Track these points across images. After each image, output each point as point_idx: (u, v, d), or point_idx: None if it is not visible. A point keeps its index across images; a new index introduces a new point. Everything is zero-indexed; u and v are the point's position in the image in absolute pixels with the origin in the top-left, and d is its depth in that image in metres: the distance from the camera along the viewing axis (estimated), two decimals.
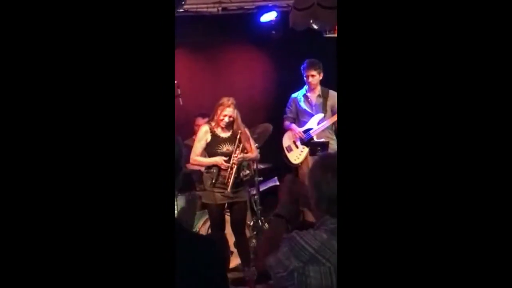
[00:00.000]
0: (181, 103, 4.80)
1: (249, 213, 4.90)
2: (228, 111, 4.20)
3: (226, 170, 4.11)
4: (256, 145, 4.48)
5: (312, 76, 5.12)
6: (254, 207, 5.00)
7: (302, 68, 5.18)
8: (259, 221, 4.91)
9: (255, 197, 4.98)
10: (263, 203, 4.98)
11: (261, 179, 5.09)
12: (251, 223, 4.87)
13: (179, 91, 4.82)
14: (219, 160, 4.14)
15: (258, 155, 4.49)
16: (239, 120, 4.27)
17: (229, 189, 4.09)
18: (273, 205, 4.75)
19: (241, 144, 4.20)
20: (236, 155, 4.15)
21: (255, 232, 4.79)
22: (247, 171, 4.31)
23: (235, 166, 4.14)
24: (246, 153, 4.29)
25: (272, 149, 5.24)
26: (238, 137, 4.19)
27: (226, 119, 4.19)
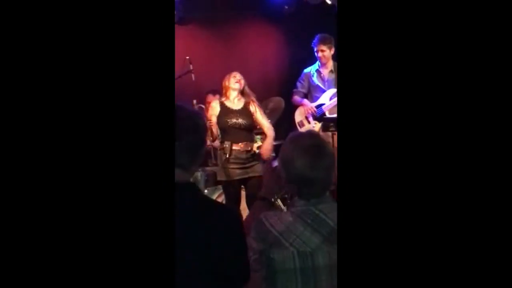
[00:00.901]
0: (193, 78, 4.78)
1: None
2: (236, 77, 4.19)
3: (238, 145, 4.07)
4: (270, 121, 4.43)
5: (322, 51, 5.07)
6: None
7: (313, 43, 5.13)
8: (272, 198, 4.90)
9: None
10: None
11: (274, 155, 5.08)
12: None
13: (191, 67, 4.80)
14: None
15: (272, 130, 4.32)
16: (249, 92, 4.25)
17: (227, 155, 4.03)
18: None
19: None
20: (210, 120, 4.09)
21: None
22: (260, 143, 4.25)
23: (212, 126, 4.09)
24: (258, 127, 4.25)
25: (284, 125, 5.22)
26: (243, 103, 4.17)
27: (238, 77, 4.18)
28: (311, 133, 1.87)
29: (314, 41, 5.12)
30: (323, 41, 5.06)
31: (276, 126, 4.88)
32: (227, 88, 4.20)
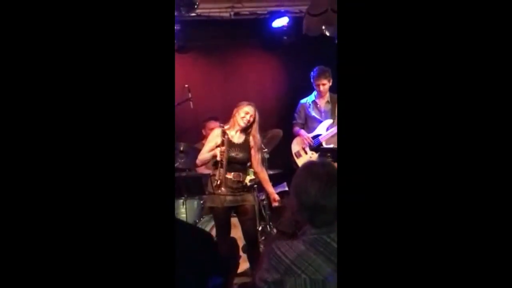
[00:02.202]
0: (191, 106, 4.81)
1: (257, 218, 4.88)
2: (248, 109, 4.11)
3: (231, 174, 4.03)
4: (266, 150, 4.43)
5: (323, 84, 5.13)
6: (263, 212, 4.98)
7: (311, 76, 5.18)
8: (268, 226, 4.89)
9: (264, 202, 4.96)
10: (272, 208, 4.96)
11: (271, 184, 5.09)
12: (260, 228, 4.85)
13: (189, 95, 4.84)
14: (217, 151, 4.03)
15: (259, 168, 4.29)
16: (257, 126, 4.17)
17: (223, 187, 3.99)
18: (282, 211, 4.75)
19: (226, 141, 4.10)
20: (223, 150, 4.03)
21: (263, 237, 4.77)
22: (253, 176, 4.23)
23: (225, 163, 4.01)
24: (250, 166, 4.24)
25: (282, 155, 5.23)
26: (221, 132, 4.11)
27: (247, 117, 4.09)
28: (324, 162, 1.89)
29: (313, 74, 5.17)
30: (323, 75, 5.12)
31: (272, 155, 4.90)
32: (235, 119, 4.16)
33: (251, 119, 4.11)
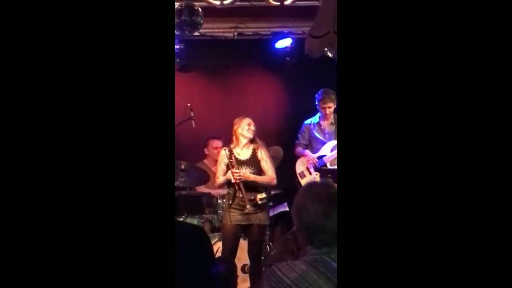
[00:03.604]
0: (193, 125, 4.82)
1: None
2: (248, 120, 4.16)
3: (241, 190, 4.05)
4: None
5: (329, 107, 5.16)
6: None
7: (317, 99, 5.20)
8: (268, 246, 4.87)
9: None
10: (272, 228, 4.94)
11: (271, 204, 5.07)
12: None
13: (192, 114, 4.85)
14: (229, 174, 4.07)
15: (273, 179, 4.28)
16: (258, 139, 4.23)
17: (248, 206, 4.01)
18: (282, 230, 4.73)
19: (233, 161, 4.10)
20: (234, 171, 4.05)
21: (263, 258, 4.74)
22: (264, 195, 4.19)
23: (240, 184, 4.04)
24: (264, 174, 4.22)
25: (283, 175, 5.23)
26: (228, 153, 4.12)
27: (252, 127, 4.14)
28: (326, 182, 1.91)
29: (318, 97, 5.19)
30: (329, 97, 5.14)
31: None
32: (239, 135, 4.18)
33: (255, 128, 4.14)
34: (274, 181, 4.27)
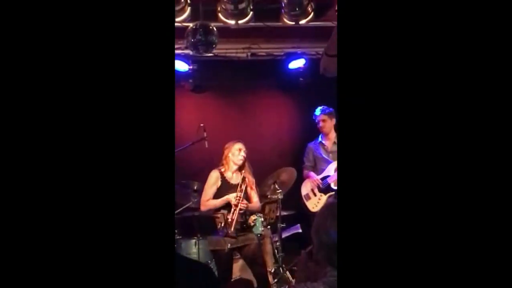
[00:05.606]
0: (206, 145, 4.82)
1: (271, 260, 4.81)
2: (240, 145, 4.20)
3: (233, 213, 4.04)
4: (280, 191, 4.39)
5: (323, 121, 5.19)
6: (276, 254, 4.91)
7: (313, 115, 5.29)
8: (281, 268, 4.81)
9: (277, 243, 4.90)
10: (285, 250, 4.90)
11: (284, 225, 5.03)
12: (272, 270, 4.77)
13: (205, 134, 4.85)
14: (231, 197, 4.07)
15: (259, 207, 4.41)
16: (248, 165, 4.26)
17: (232, 228, 4.00)
18: (295, 252, 4.68)
19: (244, 186, 4.13)
20: (240, 196, 4.08)
21: (276, 280, 4.68)
22: (255, 217, 4.25)
23: (237, 209, 4.05)
24: (249, 202, 4.25)
25: (295, 196, 5.20)
26: (241, 178, 4.14)
27: (242, 153, 4.17)
28: None
29: (314, 113, 5.27)
30: (322, 111, 5.20)
31: (285, 196, 4.87)
32: (229, 160, 4.18)
33: (245, 154, 4.14)
34: (260, 209, 4.42)
